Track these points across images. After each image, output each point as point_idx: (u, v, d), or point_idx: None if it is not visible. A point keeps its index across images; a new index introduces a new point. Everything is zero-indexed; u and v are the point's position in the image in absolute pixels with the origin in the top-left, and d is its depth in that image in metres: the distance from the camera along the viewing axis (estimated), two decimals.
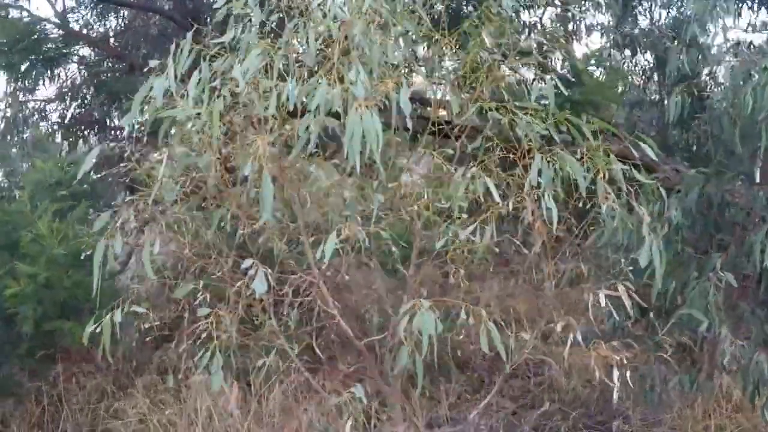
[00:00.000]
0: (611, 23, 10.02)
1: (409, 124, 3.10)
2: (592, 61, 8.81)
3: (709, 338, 4.95)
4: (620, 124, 8.47)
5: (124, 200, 3.76)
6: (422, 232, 3.84)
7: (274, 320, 4.06)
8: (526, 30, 7.90)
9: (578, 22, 9.69)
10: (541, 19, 9.37)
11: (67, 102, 9.99)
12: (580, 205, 3.64)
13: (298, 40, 3.43)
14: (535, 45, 5.89)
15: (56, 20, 9.52)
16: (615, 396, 3.59)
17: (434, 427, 6.21)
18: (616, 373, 3.53)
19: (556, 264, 3.85)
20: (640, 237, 3.60)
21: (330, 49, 3.37)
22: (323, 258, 3.23)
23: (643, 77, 9.50)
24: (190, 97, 3.14)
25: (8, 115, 9.79)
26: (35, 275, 5.38)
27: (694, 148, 6.89)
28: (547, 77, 3.67)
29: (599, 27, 9.77)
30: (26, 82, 9.16)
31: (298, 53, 3.46)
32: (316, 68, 3.44)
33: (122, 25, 10.64)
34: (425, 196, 3.57)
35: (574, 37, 9.27)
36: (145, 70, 3.56)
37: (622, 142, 3.86)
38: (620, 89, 9.09)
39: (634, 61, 9.57)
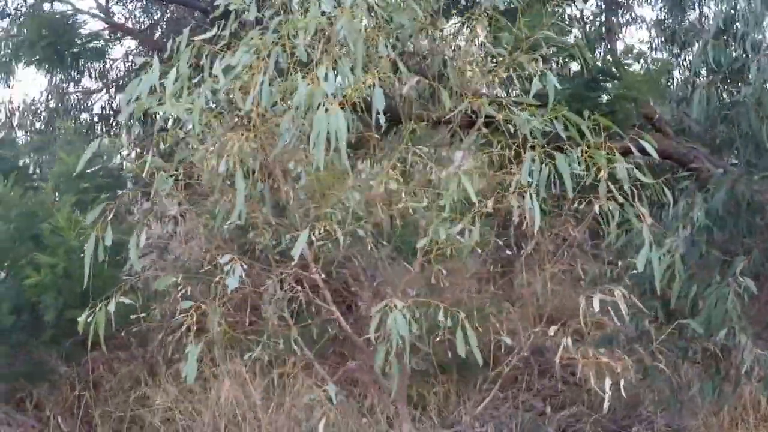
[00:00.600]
0: (659, 16, 9.79)
1: (382, 121, 3.03)
2: (631, 55, 8.54)
3: (729, 346, 4.76)
4: (663, 120, 8.26)
5: (116, 194, 3.77)
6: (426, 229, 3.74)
7: (287, 313, 4.05)
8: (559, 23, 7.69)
9: (622, 15, 9.48)
10: (581, 12, 9.20)
11: (112, 93, 10.13)
12: (576, 205, 3.52)
13: (290, 34, 3.37)
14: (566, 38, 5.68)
15: (99, 13, 9.68)
16: (606, 405, 3.45)
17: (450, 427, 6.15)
18: (608, 382, 3.40)
19: (555, 265, 3.73)
20: (641, 239, 3.46)
21: (320, 44, 3.32)
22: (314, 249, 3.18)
23: (690, 72, 9.24)
24: (167, 94, 3.12)
25: (51, 106, 9.98)
26: (54, 265, 5.47)
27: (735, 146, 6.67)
28: (549, 72, 3.53)
29: (642, 20, 9.55)
30: (64, 75, 9.28)
31: (292, 48, 3.41)
32: (314, 63, 3.39)
33: (165, 18, 10.75)
34: (403, 195, 3.49)
35: (614, 31, 9.00)
36: (139, 66, 3.56)
37: (630, 139, 3.69)
38: (664, 84, 8.84)
39: (682, 55, 9.34)
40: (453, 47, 3.78)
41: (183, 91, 3.21)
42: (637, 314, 4.82)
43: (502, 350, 4.03)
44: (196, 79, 3.34)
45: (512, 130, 3.47)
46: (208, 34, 3.46)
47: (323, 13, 3.33)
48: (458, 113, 3.58)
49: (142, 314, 3.81)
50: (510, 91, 4.11)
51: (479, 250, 3.47)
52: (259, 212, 3.59)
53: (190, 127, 3.36)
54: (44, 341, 6.09)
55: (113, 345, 7.44)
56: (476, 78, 3.67)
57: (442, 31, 3.73)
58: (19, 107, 10.84)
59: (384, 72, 3.47)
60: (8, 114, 10.89)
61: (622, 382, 3.46)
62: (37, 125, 10.82)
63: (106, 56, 9.91)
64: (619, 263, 4.11)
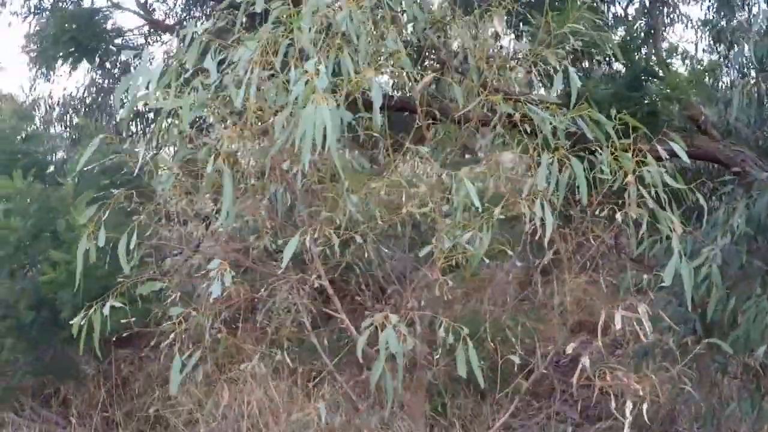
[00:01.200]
0: (706, 15, 9.43)
1: (379, 119, 2.81)
2: (676, 55, 8.20)
3: None
4: (709, 122, 7.94)
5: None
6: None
7: (307, 321, 3.89)
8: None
9: (667, 14, 9.14)
10: (625, 9, 8.90)
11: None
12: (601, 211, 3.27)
13: (296, 27, 3.17)
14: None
15: (138, 10, 9.65)
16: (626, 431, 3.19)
17: None
18: (629, 405, 3.14)
19: (579, 275, 3.48)
20: (670, 250, 3.18)
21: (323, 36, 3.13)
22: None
23: (737, 73, 8.88)
24: (156, 90, 2.96)
25: (87, 102, 9.98)
26: (69, 262, 5.37)
27: None
28: (571, 69, 3.29)
29: (688, 19, 9.21)
30: (101, 71, 9.25)
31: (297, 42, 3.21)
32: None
33: (205, 15, 10.66)
34: (403, 199, 3.27)
35: (658, 30, 8.67)
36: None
37: (658, 140, 3.42)
38: (710, 85, 8.47)
39: (730, 55, 8.97)
40: (469, 40, 3.55)
41: (172, 85, 3.04)
42: (672, 328, 4.57)
43: (516, 365, 3.79)
44: (188, 74, 3.17)
45: (529, 130, 3.24)
46: (206, 25, 3.28)
47: (334, 4, 3.14)
48: (473, 111, 3.36)
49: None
50: (539, 88, 3.87)
51: (487, 261, 3.21)
52: (259, 214, 3.42)
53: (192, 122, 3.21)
54: (64, 338, 6.02)
55: (145, 344, 7.40)
56: (493, 73, 3.43)
57: (457, 23, 3.49)
58: (58, 102, 10.92)
59: (399, 67, 3.27)
60: (47, 108, 10.97)
61: (645, 406, 3.19)
62: (75, 120, 10.83)
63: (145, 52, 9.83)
64: (645, 275, 3.83)
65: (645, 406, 3.18)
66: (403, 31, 3.35)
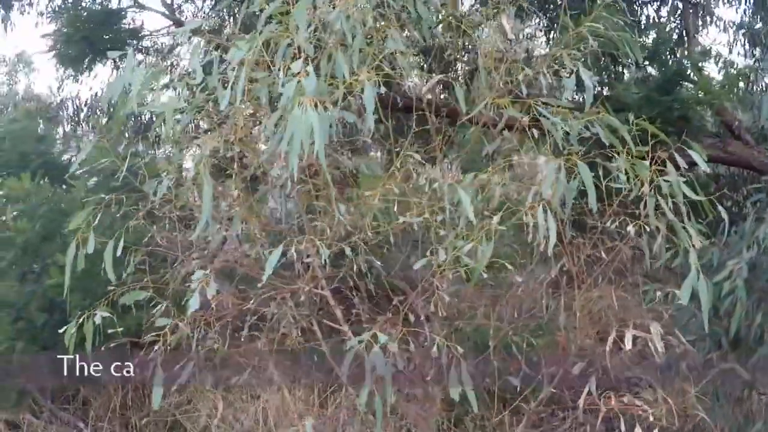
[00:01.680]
0: (742, 18, 9.16)
1: (371, 123, 2.65)
2: (708, 58, 7.92)
3: None
4: (743, 127, 7.71)
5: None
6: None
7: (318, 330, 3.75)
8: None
9: (701, 17, 8.86)
10: (657, 12, 8.67)
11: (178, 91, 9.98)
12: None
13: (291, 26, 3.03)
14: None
15: (164, 11, 9.59)
16: None
17: None
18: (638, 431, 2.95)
19: (590, 289, 3.29)
20: (687, 265, 2.98)
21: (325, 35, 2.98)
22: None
23: None
24: (134, 92, 2.84)
25: (112, 102, 9.91)
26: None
27: None
28: (583, 71, 3.10)
29: (720, 20, 8.94)
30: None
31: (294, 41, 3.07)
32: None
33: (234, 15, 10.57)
34: (395, 208, 3.10)
35: (691, 33, 8.41)
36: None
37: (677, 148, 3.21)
38: (744, 90, 8.20)
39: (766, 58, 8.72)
40: (478, 41, 3.39)
41: (157, 88, 2.92)
42: (696, 342, 4.39)
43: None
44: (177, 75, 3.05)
45: (537, 135, 3.06)
46: (193, 25, 3.16)
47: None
48: (480, 113, 3.18)
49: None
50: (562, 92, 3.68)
51: (485, 275, 3.00)
52: (253, 222, 3.28)
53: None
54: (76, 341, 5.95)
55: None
56: (500, 75, 3.25)
57: (464, 22, 3.32)
58: (85, 102, 10.90)
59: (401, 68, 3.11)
60: (75, 109, 10.95)
61: None
62: (103, 121, 10.80)
63: (173, 53, 9.75)
64: (658, 292, 3.63)
65: None
66: (408, 30, 3.19)
